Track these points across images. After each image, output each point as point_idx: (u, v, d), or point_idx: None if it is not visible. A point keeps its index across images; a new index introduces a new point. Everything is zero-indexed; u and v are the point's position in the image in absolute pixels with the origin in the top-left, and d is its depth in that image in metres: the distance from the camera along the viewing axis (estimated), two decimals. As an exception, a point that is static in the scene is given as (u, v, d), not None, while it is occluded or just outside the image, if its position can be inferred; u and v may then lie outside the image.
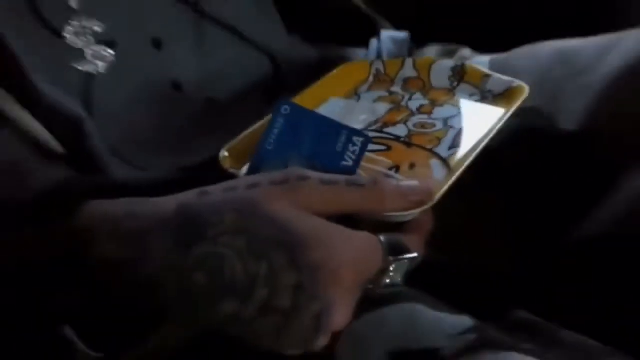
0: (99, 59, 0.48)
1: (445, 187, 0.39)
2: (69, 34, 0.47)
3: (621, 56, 0.50)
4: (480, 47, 0.61)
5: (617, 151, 0.49)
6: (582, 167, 0.50)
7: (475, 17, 0.68)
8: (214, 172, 0.42)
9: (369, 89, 0.52)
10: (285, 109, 0.39)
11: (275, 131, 0.39)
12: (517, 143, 0.51)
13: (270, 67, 0.56)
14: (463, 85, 0.51)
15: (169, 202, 0.36)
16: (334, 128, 0.38)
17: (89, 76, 0.48)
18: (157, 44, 0.51)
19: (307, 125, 0.39)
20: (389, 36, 0.57)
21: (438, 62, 0.53)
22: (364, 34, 0.59)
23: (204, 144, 0.47)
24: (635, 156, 0.48)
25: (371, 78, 0.53)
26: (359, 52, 0.59)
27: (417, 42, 0.60)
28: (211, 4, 0.53)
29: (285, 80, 0.56)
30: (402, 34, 0.58)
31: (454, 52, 0.61)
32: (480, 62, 0.59)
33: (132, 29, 0.50)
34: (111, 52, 0.48)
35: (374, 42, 0.57)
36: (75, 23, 0.47)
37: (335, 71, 0.52)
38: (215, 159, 0.43)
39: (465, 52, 0.60)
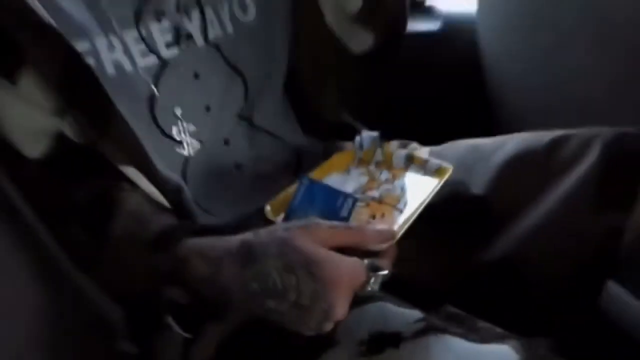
0: (192, 148, 0.48)
1: (403, 229, 0.40)
2: (174, 131, 0.47)
3: (509, 150, 0.51)
4: (423, 142, 0.61)
5: (506, 207, 0.49)
6: (485, 217, 0.50)
7: (420, 124, 0.67)
8: (261, 219, 0.42)
9: (355, 167, 0.51)
10: (305, 180, 0.39)
11: (299, 195, 0.39)
12: (446, 201, 0.50)
13: (294, 155, 0.55)
14: (412, 166, 0.51)
15: (235, 239, 0.37)
16: (335, 193, 0.39)
17: (185, 158, 0.48)
18: (227, 142, 0.51)
19: (318, 191, 0.39)
20: (367, 134, 0.56)
21: (396, 152, 0.52)
22: (351, 133, 0.57)
23: (255, 201, 0.47)
24: (517, 211, 0.48)
25: (356, 161, 0.52)
26: (348, 145, 0.58)
27: (384, 138, 0.58)
28: (259, 118, 0.53)
29: (303, 163, 0.55)
30: (375, 133, 0.57)
31: (407, 144, 0.60)
32: (424, 151, 0.58)
33: (212, 132, 0.49)
34: (199, 143, 0.48)
35: (357, 138, 0.56)
36: (178, 124, 0.47)
37: (333, 157, 0.52)
38: (262, 210, 0.43)
39: (414, 145, 0.60)
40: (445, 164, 0.49)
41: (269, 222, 0.41)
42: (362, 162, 0.52)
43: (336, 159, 0.51)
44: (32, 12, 0.37)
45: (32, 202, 0.39)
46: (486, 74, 0.83)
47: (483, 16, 0.80)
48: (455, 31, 0.84)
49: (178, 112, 0.47)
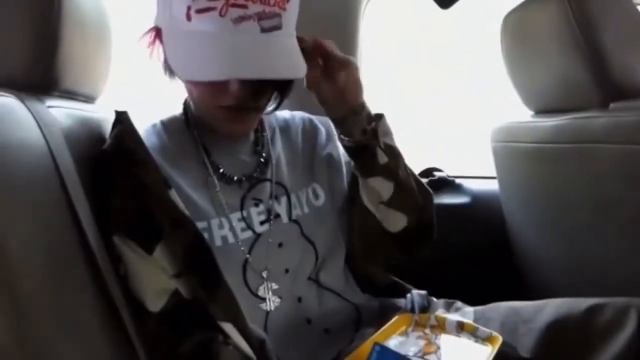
0: (273, 304, 0.50)
1: None
2: (260, 290, 0.50)
3: (548, 314, 0.50)
4: (464, 299, 0.59)
5: None
6: None
7: (465, 285, 0.67)
8: None
9: (412, 331, 0.51)
10: (377, 347, 0.40)
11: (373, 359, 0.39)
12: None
13: (355, 312, 0.56)
14: (463, 332, 0.50)
15: None
16: (402, 358, 0.39)
17: (266, 313, 0.50)
18: (299, 299, 0.53)
19: (389, 356, 0.39)
20: (416, 293, 0.58)
21: (449, 318, 0.51)
22: (403, 292, 0.59)
23: (323, 354, 0.47)
24: None
25: (413, 324, 0.52)
26: (401, 302, 0.58)
27: (432, 295, 0.59)
28: (325, 280, 0.55)
29: (363, 319, 0.55)
30: (423, 292, 0.58)
31: (452, 303, 0.58)
32: (468, 310, 0.56)
33: (289, 290, 0.52)
34: (279, 300, 0.50)
35: (409, 296, 0.57)
36: (264, 284, 0.50)
37: (393, 320, 0.51)
38: None
39: (459, 303, 0.58)
40: (495, 333, 0.48)
41: None
42: (418, 325, 0.51)
43: (395, 322, 0.51)
44: (174, 205, 0.44)
45: (149, 348, 0.41)
46: (511, 237, 0.86)
47: (503, 191, 0.86)
48: (482, 203, 0.91)
49: (264, 274, 0.51)
